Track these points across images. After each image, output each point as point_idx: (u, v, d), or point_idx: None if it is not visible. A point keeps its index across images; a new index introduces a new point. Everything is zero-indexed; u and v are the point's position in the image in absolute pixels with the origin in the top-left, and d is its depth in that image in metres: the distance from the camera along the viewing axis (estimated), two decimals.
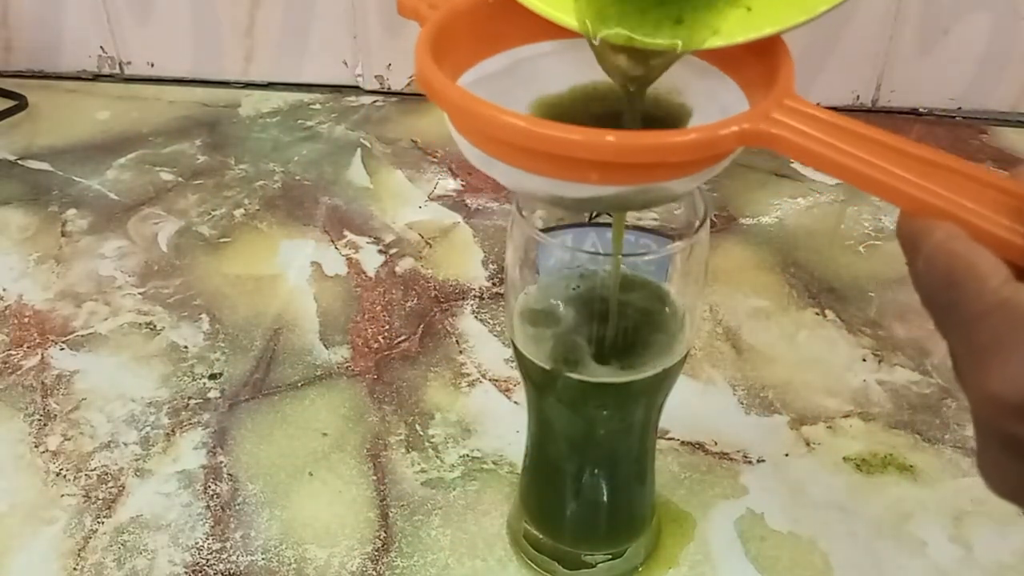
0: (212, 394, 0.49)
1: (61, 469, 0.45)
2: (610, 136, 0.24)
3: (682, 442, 0.46)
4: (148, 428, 0.47)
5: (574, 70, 0.32)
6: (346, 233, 0.62)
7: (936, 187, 0.23)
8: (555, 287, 0.34)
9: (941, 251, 0.22)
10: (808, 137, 0.25)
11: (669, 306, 0.34)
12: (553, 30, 0.31)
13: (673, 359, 0.34)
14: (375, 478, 0.45)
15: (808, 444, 0.46)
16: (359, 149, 0.71)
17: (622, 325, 0.34)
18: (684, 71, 0.30)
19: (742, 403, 0.49)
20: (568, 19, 0.29)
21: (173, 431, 0.47)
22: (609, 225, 0.35)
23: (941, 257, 0.22)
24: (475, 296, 0.56)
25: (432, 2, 0.30)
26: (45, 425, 0.48)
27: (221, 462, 0.46)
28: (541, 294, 0.34)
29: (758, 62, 0.28)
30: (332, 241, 0.61)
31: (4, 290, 0.57)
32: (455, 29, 0.29)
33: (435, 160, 0.70)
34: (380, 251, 0.60)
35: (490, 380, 0.50)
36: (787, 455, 0.46)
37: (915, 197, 0.24)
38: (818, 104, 0.25)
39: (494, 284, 0.57)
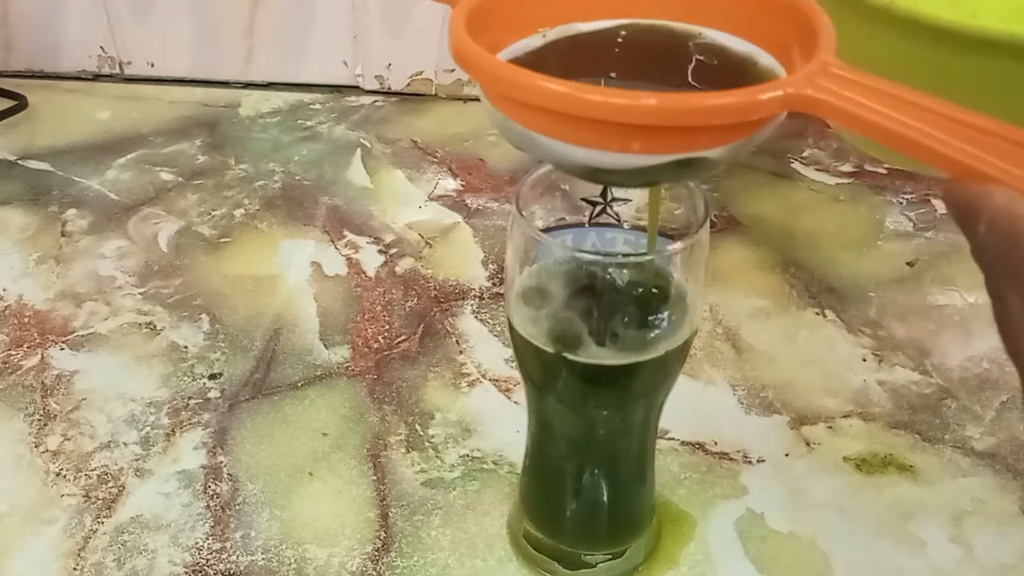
0: (212, 394, 0.49)
1: (61, 469, 0.45)
2: (652, 99, 0.24)
3: (682, 442, 0.46)
4: (148, 428, 0.47)
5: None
6: (346, 233, 0.62)
7: (986, 154, 0.23)
8: (555, 269, 0.34)
9: (1004, 214, 0.22)
10: (854, 103, 0.24)
11: (670, 290, 0.34)
12: (594, 11, 0.31)
13: (673, 344, 0.33)
14: (375, 478, 0.45)
15: (808, 444, 0.46)
16: (359, 149, 0.71)
17: (622, 308, 0.33)
18: (717, 46, 0.30)
19: (742, 403, 0.49)
20: None
21: (173, 431, 0.47)
22: (609, 225, 0.35)
23: (1004, 219, 0.22)
24: (475, 296, 0.56)
25: None
26: (45, 425, 0.48)
27: (221, 462, 0.46)
28: (540, 275, 0.34)
29: (794, 31, 0.28)
30: (332, 241, 0.61)
31: (4, 290, 0.57)
32: (489, 9, 0.29)
33: (435, 160, 0.70)
34: (380, 251, 0.60)
35: (490, 380, 0.50)
36: (787, 455, 0.46)
37: (964, 164, 0.23)
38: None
39: (494, 284, 0.57)
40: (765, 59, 0.30)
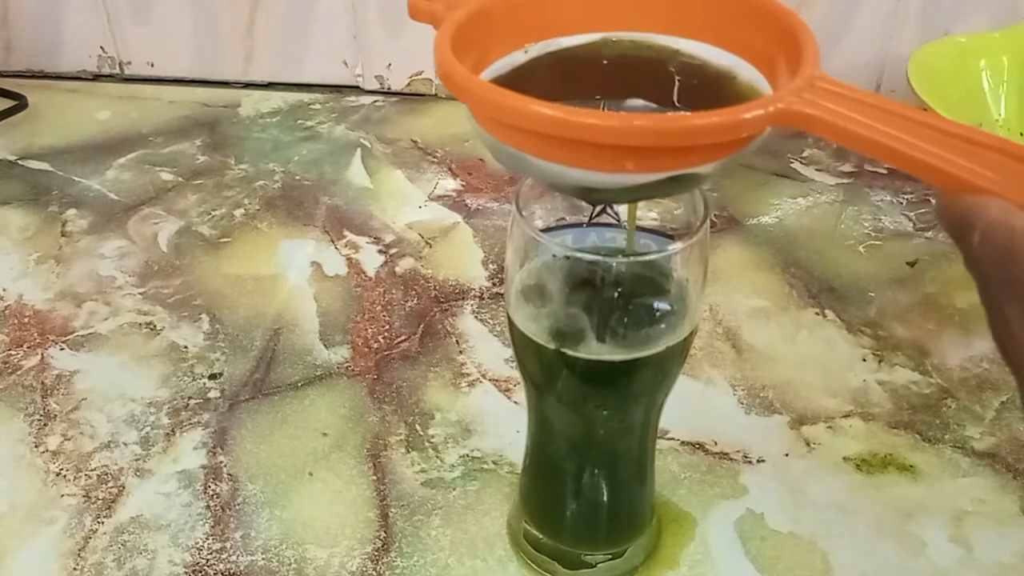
0: (212, 394, 0.49)
1: (61, 469, 0.45)
2: (646, 121, 0.24)
3: (682, 442, 0.46)
4: (148, 428, 0.47)
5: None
6: (346, 233, 0.62)
7: (977, 166, 0.23)
8: (555, 268, 0.34)
9: (1000, 226, 0.22)
10: (845, 117, 0.24)
11: (670, 289, 0.34)
12: (576, 25, 0.31)
13: (672, 342, 0.33)
14: (375, 478, 0.45)
15: (808, 444, 0.46)
16: (359, 149, 0.71)
17: (622, 306, 0.33)
18: (699, 59, 0.30)
19: (742, 403, 0.49)
20: None
21: (173, 431, 0.47)
22: (608, 225, 0.35)
23: (1000, 232, 0.22)
24: (475, 296, 0.56)
25: (449, 3, 0.30)
26: (45, 425, 0.48)
27: (221, 462, 0.46)
28: (540, 274, 0.34)
29: (777, 43, 0.28)
30: (332, 241, 0.61)
31: (4, 290, 0.57)
32: (472, 27, 0.29)
33: (435, 160, 0.70)
34: (380, 251, 0.60)
35: (490, 380, 0.50)
36: (787, 455, 0.46)
37: (956, 176, 0.23)
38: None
39: (494, 284, 0.57)
40: (747, 71, 0.30)
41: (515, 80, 0.30)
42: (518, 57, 0.31)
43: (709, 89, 0.30)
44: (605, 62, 0.32)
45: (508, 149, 0.27)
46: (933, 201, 0.63)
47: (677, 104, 0.29)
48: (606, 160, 0.26)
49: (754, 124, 0.25)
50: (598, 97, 0.30)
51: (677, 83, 0.30)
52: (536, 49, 0.31)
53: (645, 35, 0.32)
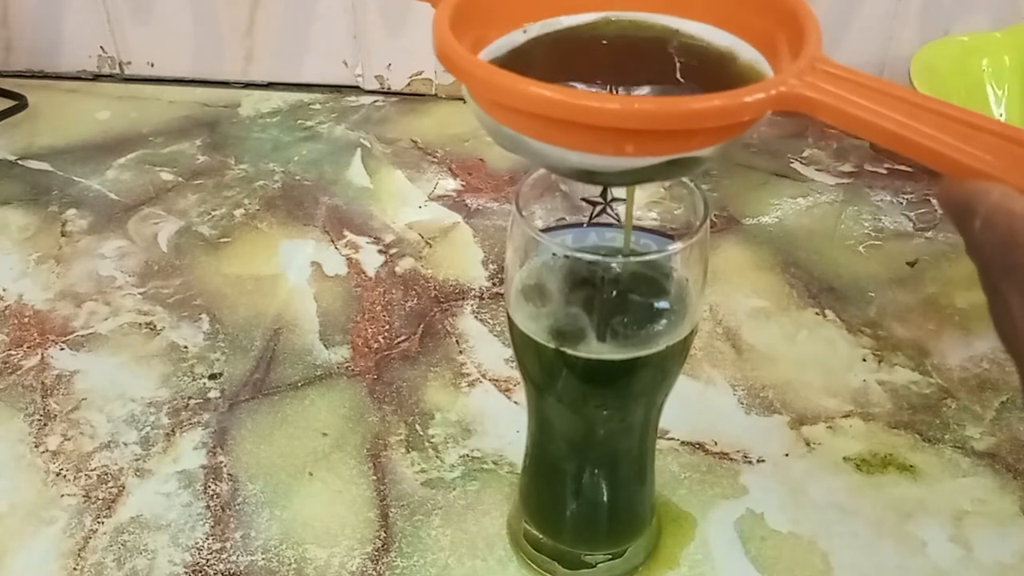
0: (212, 394, 0.49)
1: (61, 469, 0.45)
2: (648, 104, 0.24)
3: (682, 442, 0.46)
4: (148, 428, 0.47)
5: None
6: (346, 233, 0.62)
7: (979, 151, 0.23)
8: (555, 268, 0.34)
9: (1001, 211, 0.22)
10: (847, 101, 0.24)
11: (670, 289, 0.34)
12: (576, 4, 0.31)
13: (672, 341, 0.33)
14: (375, 478, 0.45)
15: (808, 444, 0.46)
16: (359, 149, 0.71)
17: (622, 306, 0.33)
18: (699, 40, 0.30)
19: (742, 403, 0.49)
20: None
21: (173, 431, 0.47)
22: (609, 225, 0.35)
23: (1002, 217, 0.22)
24: (475, 296, 0.56)
25: None
26: (45, 425, 0.48)
27: (221, 462, 0.46)
28: (541, 274, 0.34)
29: (778, 24, 0.28)
30: (332, 241, 0.61)
31: (4, 290, 0.57)
32: (471, 6, 0.29)
33: (435, 160, 0.70)
34: (380, 251, 0.60)
35: (490, 380, 0.50)
36: (787, 455, 0.46)
37: (959, 161, 0.23)
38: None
39: (494, 284, 0.57)
40: (747, 52, 0.30)
41: (514, 60, 0.30)
42: (517, 37, 0.31)
43: (710, 70, 0.30)
44: (605, 42, 0.31)
45: (507, 131, 0.27)
46: (934, 201, 0.63)
47: (677, 85, 0.29)
48: (606, 143, 0.25)
49: (756, 107, 0.25)
50: (598, 78, 0.30)
51: (677, 64, 0.30)
52: (535, 29, 0.31)
53: (645, 15, 0.31)
